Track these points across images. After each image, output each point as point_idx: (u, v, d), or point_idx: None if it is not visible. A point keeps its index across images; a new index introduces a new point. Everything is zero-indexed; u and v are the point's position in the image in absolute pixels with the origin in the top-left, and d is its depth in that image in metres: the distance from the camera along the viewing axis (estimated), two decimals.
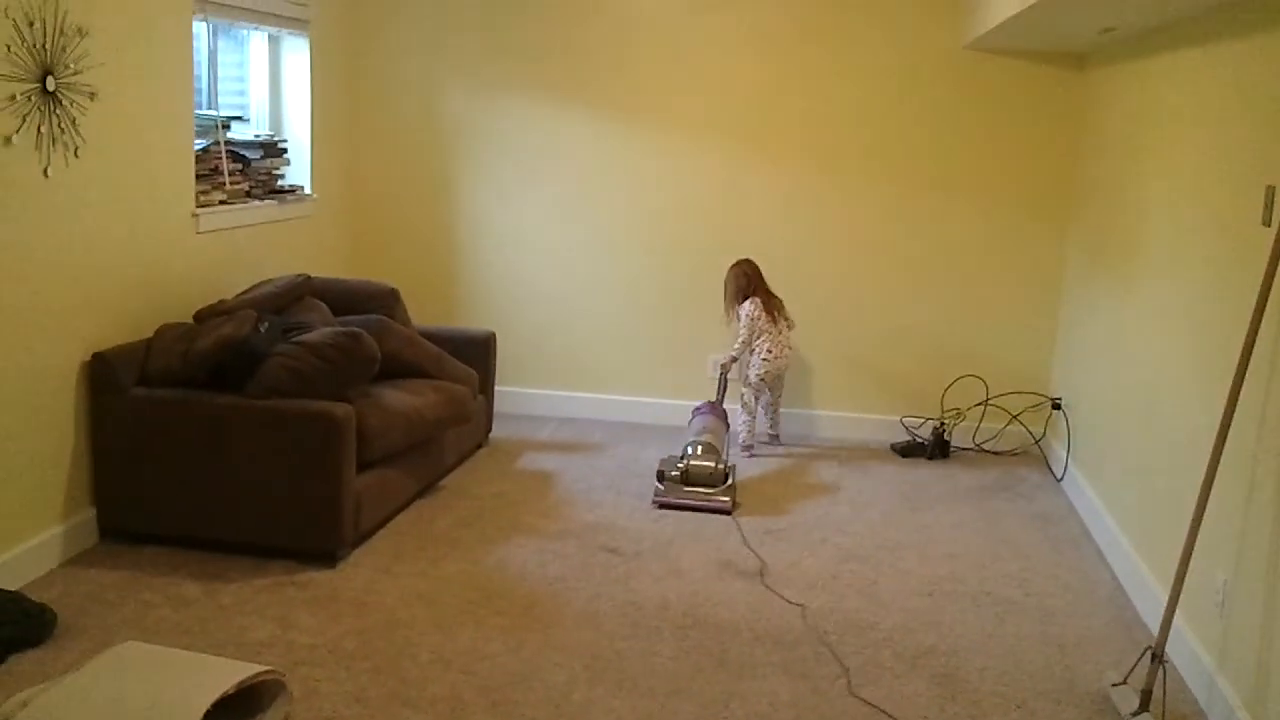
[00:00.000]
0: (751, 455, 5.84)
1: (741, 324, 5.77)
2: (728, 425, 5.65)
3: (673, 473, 5.10)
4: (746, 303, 5.77)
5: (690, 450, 5.20)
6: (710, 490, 5.05)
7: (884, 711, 3.35)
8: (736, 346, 5.78)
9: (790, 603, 4.08)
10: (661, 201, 6.18)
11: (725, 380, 5.89)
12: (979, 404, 6.08)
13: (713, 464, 5.12)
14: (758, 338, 5.77)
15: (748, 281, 5.81)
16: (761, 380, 5.80)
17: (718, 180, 6.13)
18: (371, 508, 4.36)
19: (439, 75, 6.23)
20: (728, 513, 4.96)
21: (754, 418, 5.89)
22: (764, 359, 5.76)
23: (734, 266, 5.85)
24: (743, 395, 5.88)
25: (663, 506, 5.01)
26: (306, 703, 3.24)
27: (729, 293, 5.86)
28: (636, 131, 6.13)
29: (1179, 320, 4.03)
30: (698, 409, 5.69)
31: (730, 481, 5.12)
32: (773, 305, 5.81)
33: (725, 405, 5.84)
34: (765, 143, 6.07)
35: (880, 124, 5.98)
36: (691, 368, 6.31)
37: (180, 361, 4.25)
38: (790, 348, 5.87)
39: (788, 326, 5.85)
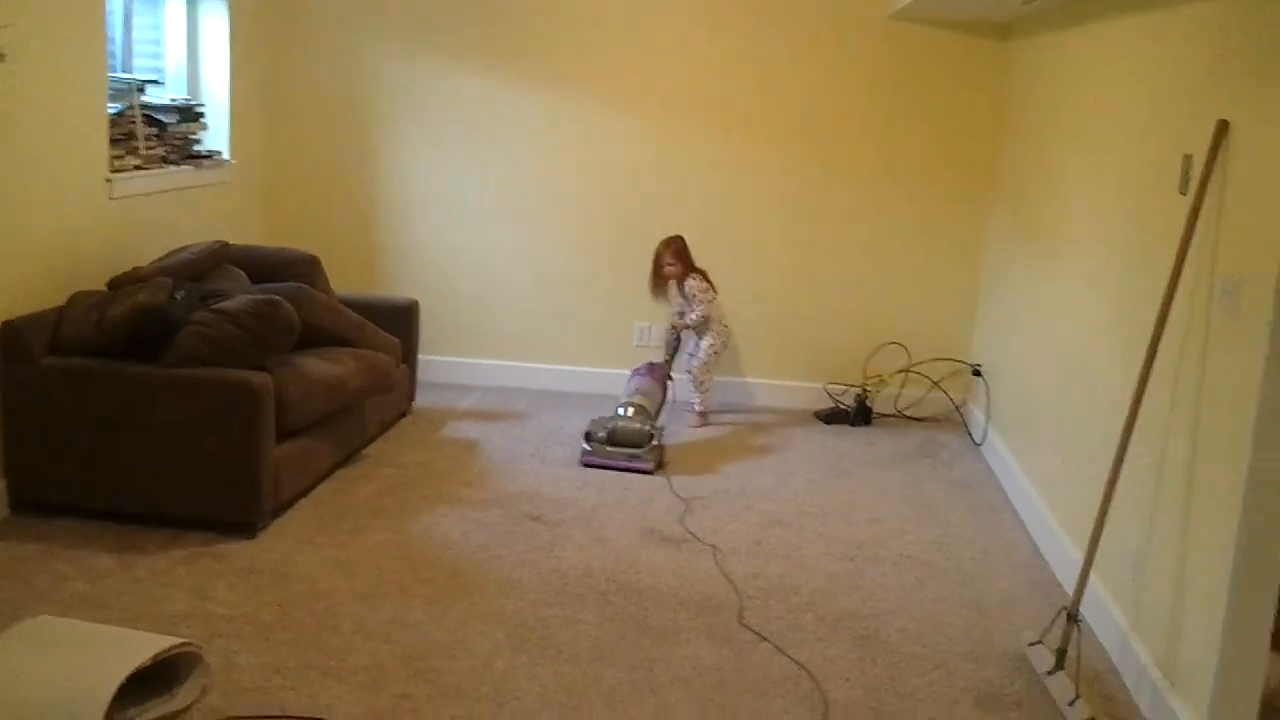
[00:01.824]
0: (706, 424, 5.93)
1: (698, 300, 5.80)
2: (666, 388, 5.71)
3: (600, 433, 5.14)
4: (692, 279, 5.82)
5: (621, 411, 5.27)
6: (636, 450, 5.09)
7: (807, 672, 3.38)
8: (694, 317, 5.83)
9: (703, 543, 4.21)
10: (587, 170, 6.15)
11: (679, 342, 5.98)
12: (901, 371, 6.14)
13: (640, 425, 5.17)
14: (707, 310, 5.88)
15: (689, 256, 5.86)
16: (717, 352, 5.89)
17: (643, 149, 6.10)
18: (292, 477, 4.31)
19: (362, 39, 6.13)
20: (650, 472, 5.05)
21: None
22: (724, 328, 5.93)
23: (669, 244, 5.86)
24: (697, 376, 5.90)
25: (588, 465, 5.10)
26: (225, 675, 3.20)
27: (668, 270, 5.86)
28: (563, 100, 6.08)
29: (1097, 288, 4.09)
30: (636, 370, 5.74)
31: (656, 443, 5.14)
32: (707, 277, 5.91)
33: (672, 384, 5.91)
34: (692, 114, 6.05)
35: (806, 94, 5.99)
36: (617, 336, 6.30)
37: (94, 330, 4.16)
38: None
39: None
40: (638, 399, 5.38)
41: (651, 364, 5.80)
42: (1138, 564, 3.46)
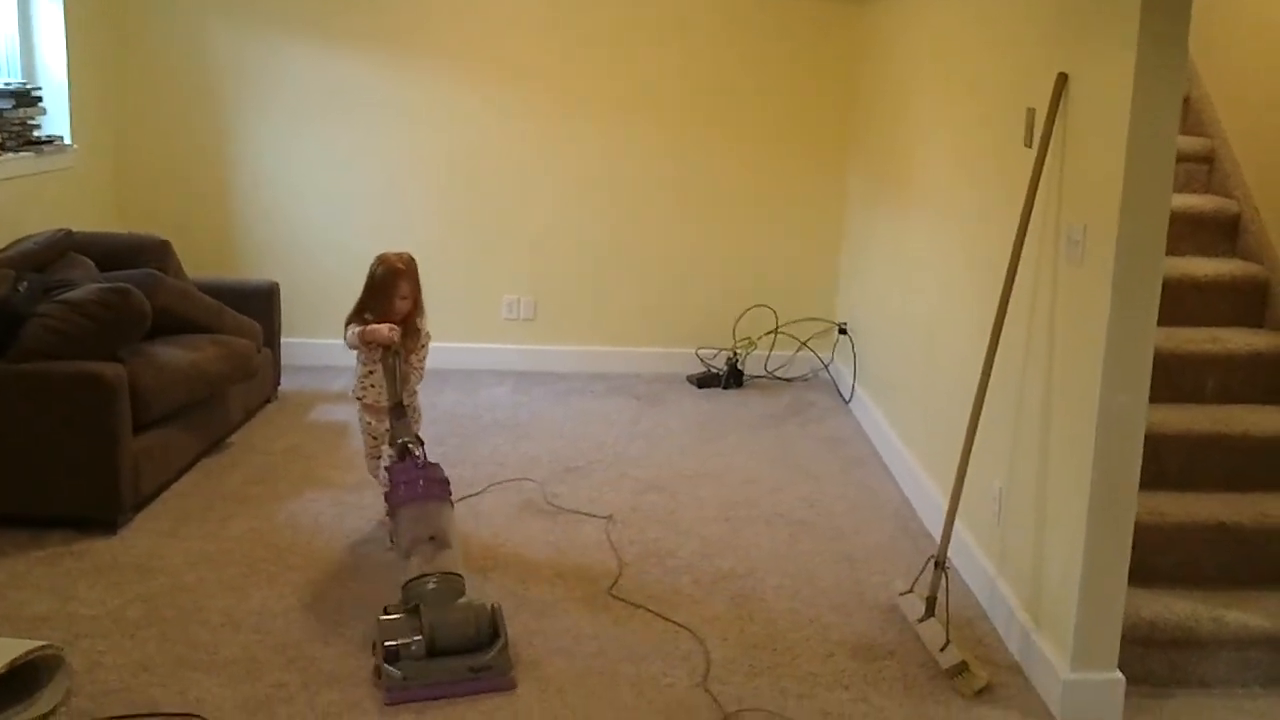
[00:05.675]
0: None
1: (425, 353, 4.19)
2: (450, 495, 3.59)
3: (408, 645, 3.06)
4: (422, 319, 4.15)
5: (424, 586, 3.17)
6: (477, 661, 3.08)
7: (689, 630, 3.41)
8: (417, 379, 4.15)
9: (597, 516, 4.17)
10: (447, 143, 6.05)
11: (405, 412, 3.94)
12: (769, 332, 6.20)
13: (466, 608, 3.16)
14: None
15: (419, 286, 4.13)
16: None
17: (504, 121, 6.03)
18: (152, 470, 4.18)
19: (212, 14, 5.92)
20: (510, 689, 3.09)
21: None
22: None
23: (403, 263, 4.10)
24: (410, 444, 3.78)
25: (397, 704, 2.99)
26: (90, 675, 3.09)
27: (401, 304, 4.05)
28: (420, 74, 5.98)
29: (953, 243, 4.18)
30: (405, 488, 3.47)
31: (503, 637, 3.15)
32: None
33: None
34: (552, 85, 6.00)
35: (664, 61, 5.99)
36: (485, 310, 6.24)
37: None
38: None
39: None
40: (442, 558, 3.25)
41: (424, 475, 3.52)
42: (1001, 509, 3.55)
